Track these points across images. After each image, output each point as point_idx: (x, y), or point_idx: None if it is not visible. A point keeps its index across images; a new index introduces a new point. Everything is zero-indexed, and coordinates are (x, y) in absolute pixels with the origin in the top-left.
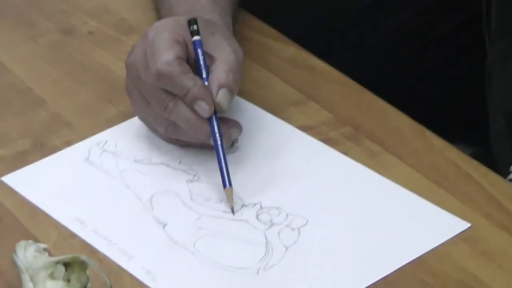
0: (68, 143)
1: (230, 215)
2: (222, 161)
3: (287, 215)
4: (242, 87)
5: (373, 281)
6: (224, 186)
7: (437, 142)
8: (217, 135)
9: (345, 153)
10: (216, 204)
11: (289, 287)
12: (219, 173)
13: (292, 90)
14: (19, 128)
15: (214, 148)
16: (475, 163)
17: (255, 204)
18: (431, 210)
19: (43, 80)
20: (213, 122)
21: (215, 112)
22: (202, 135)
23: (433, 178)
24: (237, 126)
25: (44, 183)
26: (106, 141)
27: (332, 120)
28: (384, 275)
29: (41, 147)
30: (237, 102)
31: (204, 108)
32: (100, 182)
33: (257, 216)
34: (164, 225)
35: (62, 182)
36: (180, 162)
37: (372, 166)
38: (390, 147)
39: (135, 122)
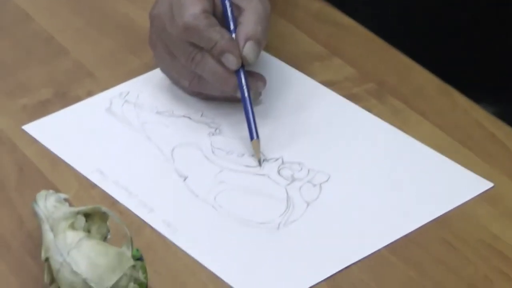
0: (90, 93)
1: (252, 169)
2: (250, 113)
3: (308, 171)
4: (267, 41)
5: (394, 239)
6: (252, 138)
7: (462, 100)
8: (245, 87)
9: (369, 110)
10: (238, 158)
11: (310, 243)
12: (241, 126)
13: (316, 45)
14: (41, 77)
15: (242, 100)
16: (500, 122)
17: (276, 159)
18: (454, 169)
19: (66, 30)
20: (240, 75)
21: (242, 65)
22: (229, 88)
23: (457, 137)
24: (263, 79)
25: (65, 133)
26: (128, 92)
27: (356, 76)
28: (406, 233)
29: (63, 97)
30: (261, 56)
31: (231, 61)
32: (122, 133)
33: (278, 171)
34: (185, 178)
35: (83, 132)
36: (202, 115)
37: (396, 123)
38: (414, 105)
39: (157, 74)
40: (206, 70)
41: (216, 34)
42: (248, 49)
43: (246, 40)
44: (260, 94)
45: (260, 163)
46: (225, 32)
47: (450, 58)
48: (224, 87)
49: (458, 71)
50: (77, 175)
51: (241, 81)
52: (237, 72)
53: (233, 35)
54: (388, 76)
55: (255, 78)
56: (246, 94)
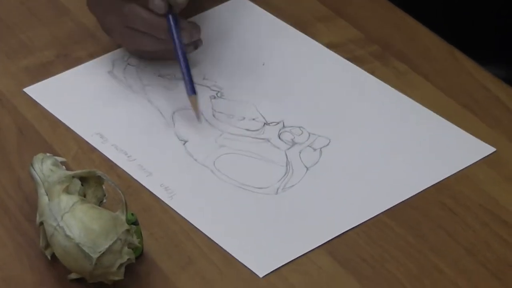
0: (92, 55)
1: (252, 133)
2: (184, 67)
3: (309, 135)
4: (269, 1)
5: (394, 204)
6: (189, 93)
7: (467, 63)
8: (175, 31)
9: (372, 72)
10: (238, 122)
11: (308, 208)
12: (243, 90)
13: (320, 6)
14: (44, 38)
15: (174, 48)
16: (504, 85)
17: (277, 123)
18: (456, 134)
19: None
20: (169, 20)
21: (170, 8)
22: (159, 31)
23: (460, 100)
24: (197, 27)
25: (66, 96)
26: (130, 55)
27: (360, 38)
28: (406, 197)
29: (64, 58)
30: (262, 17)
31: (157, 5)
32: (123, 96)
33: (279, 135)
34: (185, 142)
35: (85, 95)
36: (204, 78)
37: (399, 86)
38: (418, 67)
39: None
40: (137, 19)
41: None
42: None
43: None
44: (200, 44)
45: (198, 117)
46: None
47: (458, 21)
48: (155, 31)
49: (466, 34)
50: (77, 138)
51: (171, 25)
52: (167, 16)
53: None
54: (393, 39)
55: (189, 25)
56: (176, 38)
